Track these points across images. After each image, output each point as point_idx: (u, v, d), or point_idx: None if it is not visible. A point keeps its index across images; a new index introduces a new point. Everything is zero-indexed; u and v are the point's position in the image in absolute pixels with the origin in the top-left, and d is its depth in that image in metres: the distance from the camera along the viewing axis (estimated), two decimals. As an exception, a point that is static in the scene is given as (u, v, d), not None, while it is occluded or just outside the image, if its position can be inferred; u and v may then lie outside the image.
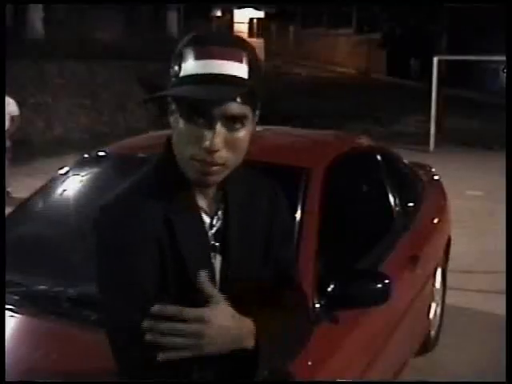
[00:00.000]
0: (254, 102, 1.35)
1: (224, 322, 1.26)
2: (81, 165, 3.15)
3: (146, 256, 1.34)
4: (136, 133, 3.93)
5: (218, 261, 1.42)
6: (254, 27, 36.26)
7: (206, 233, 1.41)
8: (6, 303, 2.26)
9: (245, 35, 33.84)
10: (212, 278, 1.37)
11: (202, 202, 1.42)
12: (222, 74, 1.27)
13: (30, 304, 2.31)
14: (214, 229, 1.42)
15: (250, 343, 1.30)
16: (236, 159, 1.36)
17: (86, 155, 3.23)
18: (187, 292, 1.33)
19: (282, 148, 3.18)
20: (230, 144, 1.32)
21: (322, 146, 3.39)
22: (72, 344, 2.12)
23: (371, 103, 18.18)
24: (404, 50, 26.27)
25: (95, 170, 3.08)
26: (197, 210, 1.40)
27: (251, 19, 36.70)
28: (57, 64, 13.14)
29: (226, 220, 1.44)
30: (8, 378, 1.91)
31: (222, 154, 1.31)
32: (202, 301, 1.28)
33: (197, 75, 1.28)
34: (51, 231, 2.85)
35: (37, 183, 3.29)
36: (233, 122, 1.30)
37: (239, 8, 34.69)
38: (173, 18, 21.76)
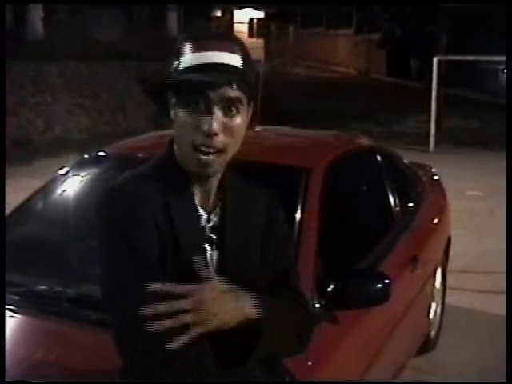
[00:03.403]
0: (248, 90, 1.42)
1: (222, 293, 1.32)
2: (81, 165, 3.15)
3: (146, 240, 1.40)
4: (136, 133, 3.94)
5: (214, 254, 1.48)
6: (254, 27, 36.27)
7: (202, 225, 1.48)
8: (6, 303, 2.26)
9: (245, 35, 33.86)
10: (206, 264, 1.43)
11: (200, 198, 1.49)
12: (217, 63, 1.37)
13: (29, 304, 2.31)
14: (211, 223, 1.49)
15: (251, 314, 1.35)
16: (233, 145, 1.43)
17: (85, 155, 3.23)
18: (184, 275, 1.36)
19: (282, 148, 3.18)
20: (228, 129, 1.40)
21: (322, 146, 3.39)
22: (72, 344, 2.12)
23: (371, 103, 18.16)
24: (404, 49, 26.27)
25: (95, 170, 3.08)
26: (193, 202, 1.47)
27: (251, 19, 36.70)
28: (57, 64, 13.12)
29: (223, 216, 1.50)
30: (8, 378, 1.91)
31: (220, 139, 1.39)
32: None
33: (194, 66, 1.38)
34: (51, 231, 2.85)
35: (37, 183, 3.29)
36: (229, 107, 1.39)
37: (239, 8, 34.69)
38: (173, 18, 21.72)
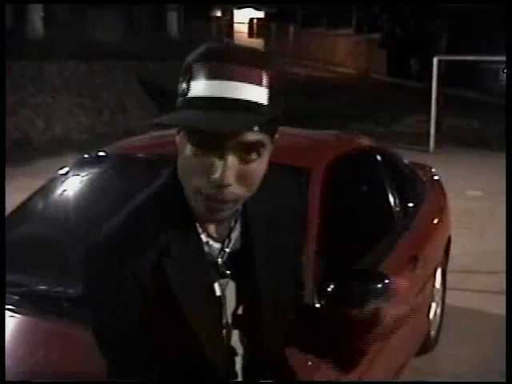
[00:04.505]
0: (273, 128, 1.17)
1: None
2: (81, 165, 3.15)
3: (133, 304, 1.21)
4: (136, 133, 3.94)
5: (230, 288, 1.28)
6: (254, 27, 36.28)
7: (214, 261, 1.27)
8: (6, 303, 2.26)
9: (245, 35, 33.90)
10: (216, 325, 1.28)
11: (210, 227, 1.26)
12: (238, 99, 1.08)
13: (29, 304, 2.31)
14: (225, 255, 1.27)
15: None
16: (249, 193, 1.18)
17: (85, 155, 3.23)
18: (184, 339, 1.24)
19: (282, 148, 3.17)
20: (243, 177, 1.14)
21: (322, 146, 3.39)
22: (72, 344, 2.12)
23: (371, 103, 18.17)
24: (404, 49, 26.28)
25: (95, 170, 3.08)
26: (199, 243, 1.25)
27: (251, 19, 36.72)
28: (57, 64, 13.13)
29: (245, 240, 1.29)
30: (8, 378, 1.91)
31: (233, 190, 1.14)
32: (202, 347, 1.23)
33: (207, 99, 1.09)
34: (51, 231, 2.85)
35: (37, 183, 3.28)
36: (247, 152, 1.13)
37: (239, 8, 34.72)
38: (173, 18, 21.74)
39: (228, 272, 1.27)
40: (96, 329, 1.24)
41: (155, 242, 1.21)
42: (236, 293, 1.29)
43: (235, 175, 1.13)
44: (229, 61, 1.10)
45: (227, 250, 1.27)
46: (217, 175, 1.11)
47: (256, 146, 1.13)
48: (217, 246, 1.27)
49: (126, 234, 1.22)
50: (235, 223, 1.28)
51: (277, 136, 1.22)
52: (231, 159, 1.12)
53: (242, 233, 1.29)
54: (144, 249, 1.20)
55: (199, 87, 1.10)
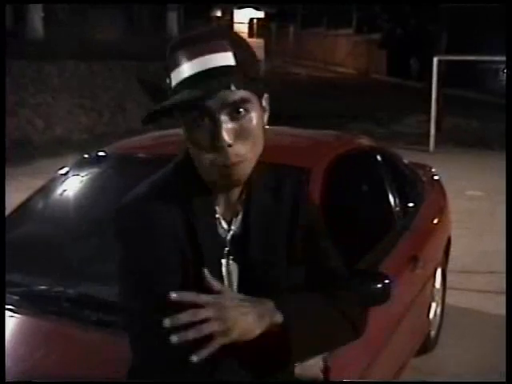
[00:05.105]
0: (252, 84, 1.29)
1: (241, 301, 1.25)
2: (81, 165, 3.16)
3: (168, 255, 1.31)
4: (136, 133, 3.94)
5: (233, 267, 1.38)
6: (254, 27, 36.30)
7: (223, 237, 1.37)
8: (6, 303, 2.26)
9: (245, 35, 33.89)
10: (222, 279, 1.34)
11: (221, 207, 1.38)
12: (208, 70, 1.24)
13: (29, 304, 2.31)
14: (230, 234, 1.38)
15: (276, 319, 1.26)
16: (255, 149, 1.31)
17: (85, 155, 3.23)
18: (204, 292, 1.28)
19: (282, 148, 3.17)
20: (241, 135, 1.27)
21: (322, 146, 3.39)
22: (72, 344, 2.12)
23: (371, 103, 18.18)
24: (404, 50, 26.29)
25: (95, 170, 3.08)
26: (214, 216, 1.37)
27: (251, 19, 36.75)
28: (57, 64, 13.14)
29: (246, 223, 1.39)
30: (8, 378, 1.91)
31: (238, 149, 1.27)
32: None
33: (184, 80, 1.26)
34: (51, 231, 2.85)
35: (37, 183, 3.29)
36: (236, 110, 1.26)
37: (239, 8, 34.75)
38: (173, 18, 21.75)
39: (230, 251, 1.37)
40: (128, 288, 1.32)
41: (181, 206, 1.33)
42: (238, 276, 1.38)
43: (232, 134, 1.26)
44: (189, 44, 1.27)
45: (233, 227, 1.38)
46: (217, 140, 1.25)
47: (241, 103, 1.27)
48: (225, 226, 1.38)
49: (152, 196, 1.35)
50: (241, 206, 1.39)
51: (266, 96, 1.36)
52: (223, 120, 1.25)
53: (244, 218, 1.39)
54: (171, 210, 1.33)
55: (176, 75, 1.28)
